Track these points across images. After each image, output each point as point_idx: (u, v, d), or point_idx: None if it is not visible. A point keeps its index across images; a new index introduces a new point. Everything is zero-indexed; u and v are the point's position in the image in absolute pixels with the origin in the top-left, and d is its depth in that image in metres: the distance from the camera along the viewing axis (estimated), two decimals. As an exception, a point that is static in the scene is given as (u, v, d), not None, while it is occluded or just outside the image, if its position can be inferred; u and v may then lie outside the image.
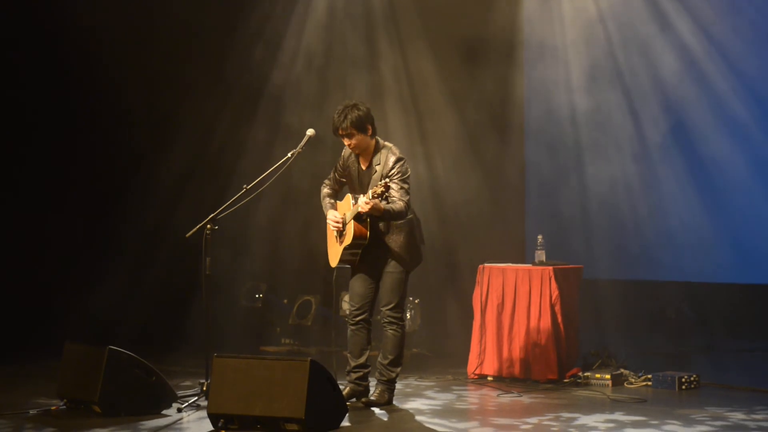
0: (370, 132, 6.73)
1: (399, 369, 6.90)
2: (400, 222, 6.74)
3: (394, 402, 6.91)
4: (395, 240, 6.76)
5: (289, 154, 6.85)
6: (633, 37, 9.34)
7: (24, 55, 9.19)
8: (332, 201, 6.97)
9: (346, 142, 6.74)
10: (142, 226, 9.45)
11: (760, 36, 8.84)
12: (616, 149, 9.45)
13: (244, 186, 6.79)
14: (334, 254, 6.90)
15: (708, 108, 9.00)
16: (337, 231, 6.84)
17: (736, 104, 8.87)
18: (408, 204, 6.69)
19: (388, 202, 6.53)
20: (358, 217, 6.65)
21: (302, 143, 6.88)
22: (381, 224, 6.71)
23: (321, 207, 6.99)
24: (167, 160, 9.55)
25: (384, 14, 9.88)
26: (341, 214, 6.83)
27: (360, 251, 6.75)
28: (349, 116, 6.63)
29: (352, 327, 6.93)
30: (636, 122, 9.38)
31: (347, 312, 7.03)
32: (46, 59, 9.26)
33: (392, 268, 6.80)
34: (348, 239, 6.70)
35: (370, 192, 6.46)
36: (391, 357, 6.86)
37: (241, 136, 9.70)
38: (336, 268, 6.99)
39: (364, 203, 6.43)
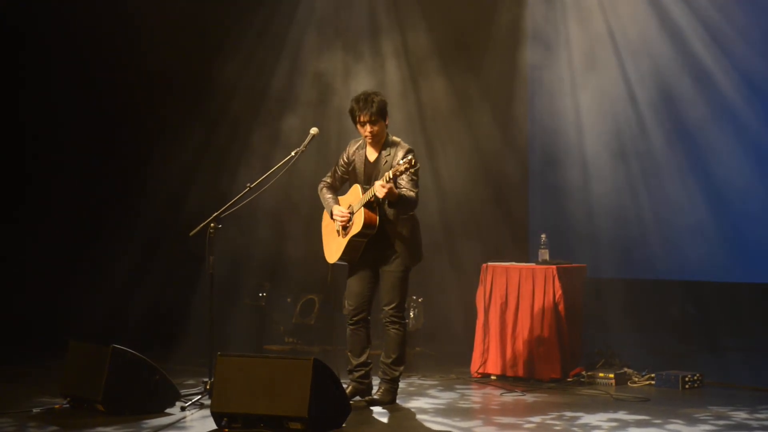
0: (387, 121, 6.74)
1: (402, 368, 6.90)
2: (403, 218, 6.72)
3: (397, 401, 6.91)
4: (399, 234, 6.72)
5: (293, 153, 6.85)
6: (635, 36, 9.32)
7: (30, 36, 9.24)
8: (334, 197, 6.93)
9: (368, 129, 6.66)
10: (146, 224, 9.45)
11: (764, 34, 8.82)
12: (619, 148, 9.44)
13: (248, 185, 6.80)
14: (335, 249, 6.84)
15: (712, 107, 8.99)
16: (341, 226, 6.81)
17: (740, 103, 8.86)
18: (418, 195, 6.65)
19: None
20: (369, 204, 6.62)
21: (306, 142, 6.88)
22: (390, 212, 6.64)
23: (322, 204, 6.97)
24: (171, 158, 9.54)
25: (387, 13, 9.88)
26: (346, 206, 6.81)
27: (365, 241, 6.69)
28: (376, 101, 6.62)
29: (351, 326, 6.91)
30: (639, 121, 9.37)
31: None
32: (51, 48, 9.30)
33: (394, 266, 6.77)
34: (357, 227, 6.63)
35: (388, 173, 6.38)
36: (393, 356, 6.85)
37: (245, 135, 9.72)
38: (334, 269, 6.97)
39: (380, 186, 6.37)
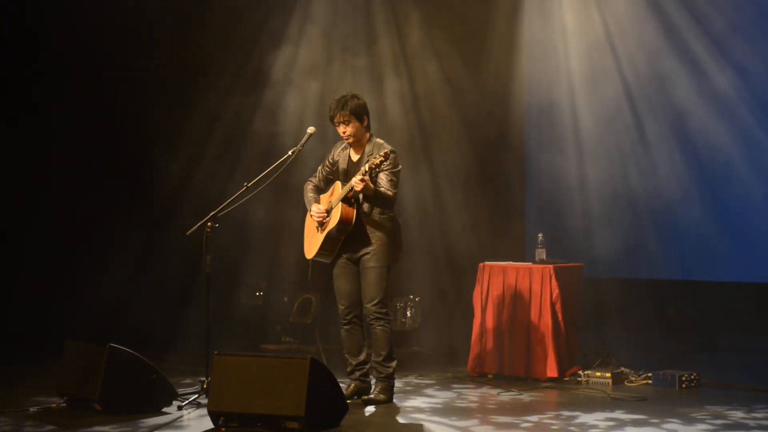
0: (366, 123, 6.83)
1: (394, 363, 6.90)
2: (383, 217, 6.76)
3: (394, 400, 6.91)
4: (377, 234, 6.76)
5: (289, 152, 6.86)
6: (633, 35, 9.32)
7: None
8: (315, 196, 7.01)
9: (342, 129, 6.78)
10: (143, 223, 9.45)
11: (763, 35, 8.82)
12: (616, 147, 9.44)
13: (245, 184, 6.80)
14: (314, 244, 6.88)
15: (710, 106, 8.99)
16: (319, 222, 6.84)
17: (738, 102, 8.86)
18: (396, 196, 6.74)
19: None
20: (347, 200, 6.67)
21: (303, 141, 6.90)
22: (365, 206, 6.71)
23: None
24: (168, 157, 9.54)
25: (385, 15, 9.88)
26: (326, 203, 6.85)
27: (342, 238, 6.75)
28: (349, 103, 6.74)
29: (346, 327, 6.94)
30: (637, 119, 9.36)
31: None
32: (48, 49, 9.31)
33: (373, 262, 6.78)
34: (333, 222, 6.70)
35: (365, 166, 6.50)
36: (384, 353, 6.85)
37: (242, 133, 9.72)
38: (314, 265, 6.98)
39: (358, 180, 6.47)
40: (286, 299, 9.73)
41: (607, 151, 9.46)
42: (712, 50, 8.93)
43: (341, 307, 6.96)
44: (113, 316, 9.08)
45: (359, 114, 6.78)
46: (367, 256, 6.79)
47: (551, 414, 6.56)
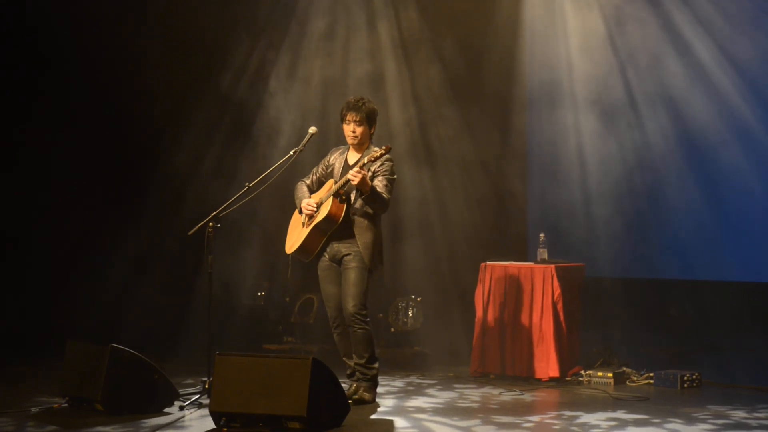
0: (372, 130, 6.89)
1: (377, 364, 6.90)
2: (371, 222, 6.78)
3: (396, 400, 6.92)
4: (362, 236, 6.77)
5: (291, 152, 6.87)
6: (637, 37, 9.32)
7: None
8: (307, 193, 7.02)
9: (351, 128, 6.80)
10: (145, 223, 9.45)
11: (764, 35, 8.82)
12: (618, 147, 9.43)
13: (246, 184, 6.81)
14: (297, 239, 6.89)
15: (711, 105, 8.98)
16: (307, 216, 6.84)
17: (739, 101, 8.85)
18: (389, 202, 6.76)
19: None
20: (338, 195, 6.68)
21: (305, 141, 6.91)
22: (357, 205, 6.72)
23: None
24: (170, 157, 9.54)
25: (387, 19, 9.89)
26: (317, 200, 6.88)
27: (328, 235, 6.76)
28: (367, 105, 6.83)
29: (337, 330, 6.96)
30: (639, 120, 9.36)
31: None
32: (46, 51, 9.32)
33: (355, 263, 6.78)
34: (321, 215, 6.71)
35: (363, 159, 6.53)
36: (367, 356, 6.83)
37: (244, 134, 9.72)
38: (293, 263, 6.98)
39: (355, 171, 6.48)
40: (287, 299, 9.73)
41: (608, 150, 9.45)
42: (713, 48, 8.93)
43: (330, 311, 6.97)
44: (115, 315, 9.08)
45: (371, 118, 6.84)
46: (349, 257, 6.80)
47: (553, 414, 6.56)
